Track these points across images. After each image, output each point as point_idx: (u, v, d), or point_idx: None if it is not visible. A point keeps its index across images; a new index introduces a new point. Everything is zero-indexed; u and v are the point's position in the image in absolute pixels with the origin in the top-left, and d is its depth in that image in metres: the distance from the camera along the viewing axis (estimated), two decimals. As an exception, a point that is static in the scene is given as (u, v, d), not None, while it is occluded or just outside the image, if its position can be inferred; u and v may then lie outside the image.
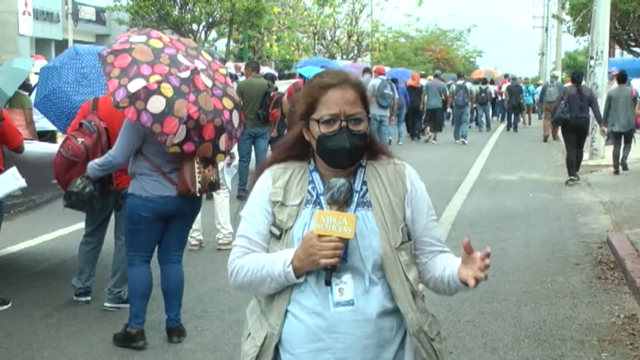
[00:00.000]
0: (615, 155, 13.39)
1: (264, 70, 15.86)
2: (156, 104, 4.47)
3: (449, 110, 23.77)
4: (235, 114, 4.88)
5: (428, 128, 22.03)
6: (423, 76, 26.21)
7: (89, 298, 5.83)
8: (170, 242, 4.95)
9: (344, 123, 2.21)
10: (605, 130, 13.47)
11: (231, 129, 4.83)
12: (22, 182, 5.30)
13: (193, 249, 7.57)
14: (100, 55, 4.71)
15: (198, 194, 4.81)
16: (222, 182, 7.69)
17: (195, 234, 7.65)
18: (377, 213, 2.25)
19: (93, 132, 5.08)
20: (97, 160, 4.86)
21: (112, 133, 5.05)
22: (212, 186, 4.92)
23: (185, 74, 4.64)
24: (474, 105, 24.71)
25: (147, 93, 4.47)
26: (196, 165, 4.74)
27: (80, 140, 5.04)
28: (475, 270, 2.13)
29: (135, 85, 4.48)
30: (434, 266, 2.32)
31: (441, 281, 2.29)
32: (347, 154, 2.22)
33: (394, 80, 19.69)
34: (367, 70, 18.66)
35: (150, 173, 4.73)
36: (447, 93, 22.53)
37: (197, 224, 7.62)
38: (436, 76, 24.03)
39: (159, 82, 4.51)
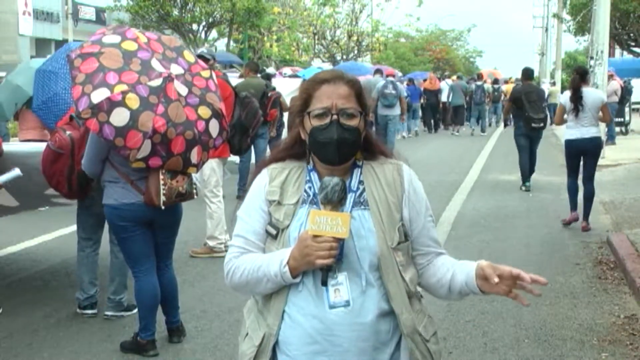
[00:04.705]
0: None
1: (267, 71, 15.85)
2: (119, 117, 4.24)
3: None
4: (214, 123, 4.62)
5: (453, 123, 25.36)
6: (448, 77, 30.55)
7: (95, 311, 5.58)
8: (156, 253, 4.85)
9: (334, 116, 2.21)
10: None
11: (207, 139, 4.58)
12: (18, 171, 5.19)
13: (219, 255, 7.17)
14: (68, 57, 4.50)
15: (163, 207, 4.56)
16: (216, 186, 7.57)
17: (222, 237, 7.34)
18: (374, 213, 2.23)
19: (82, 126, 4.97)
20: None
21: None
22: (182, 197, 4.66)
23: (157, 82, 4.39)
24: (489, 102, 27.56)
25: (110, 105, 4.23)
26: (161, 177, 4.52)
27: (67, 133, 4.97)
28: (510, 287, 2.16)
29: (99, 95, 4.24)
30: (435, 270, 2.32)
31: (448, 288, 2.29)
32: (335, 146, 2.20)
33: (411, 81, 24.45)
34: (377, 71, 19.00)
35: (117, 180, 4.62)
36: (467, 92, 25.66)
37: (220, 230, 7.35)
38: (459, 77, 28.60)
39: (124, 93, 4.27)
